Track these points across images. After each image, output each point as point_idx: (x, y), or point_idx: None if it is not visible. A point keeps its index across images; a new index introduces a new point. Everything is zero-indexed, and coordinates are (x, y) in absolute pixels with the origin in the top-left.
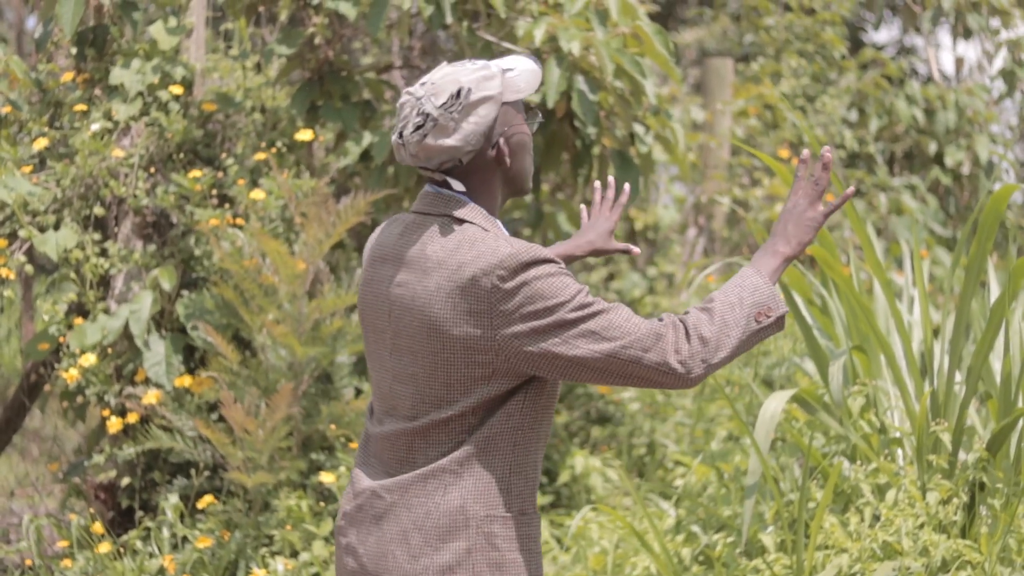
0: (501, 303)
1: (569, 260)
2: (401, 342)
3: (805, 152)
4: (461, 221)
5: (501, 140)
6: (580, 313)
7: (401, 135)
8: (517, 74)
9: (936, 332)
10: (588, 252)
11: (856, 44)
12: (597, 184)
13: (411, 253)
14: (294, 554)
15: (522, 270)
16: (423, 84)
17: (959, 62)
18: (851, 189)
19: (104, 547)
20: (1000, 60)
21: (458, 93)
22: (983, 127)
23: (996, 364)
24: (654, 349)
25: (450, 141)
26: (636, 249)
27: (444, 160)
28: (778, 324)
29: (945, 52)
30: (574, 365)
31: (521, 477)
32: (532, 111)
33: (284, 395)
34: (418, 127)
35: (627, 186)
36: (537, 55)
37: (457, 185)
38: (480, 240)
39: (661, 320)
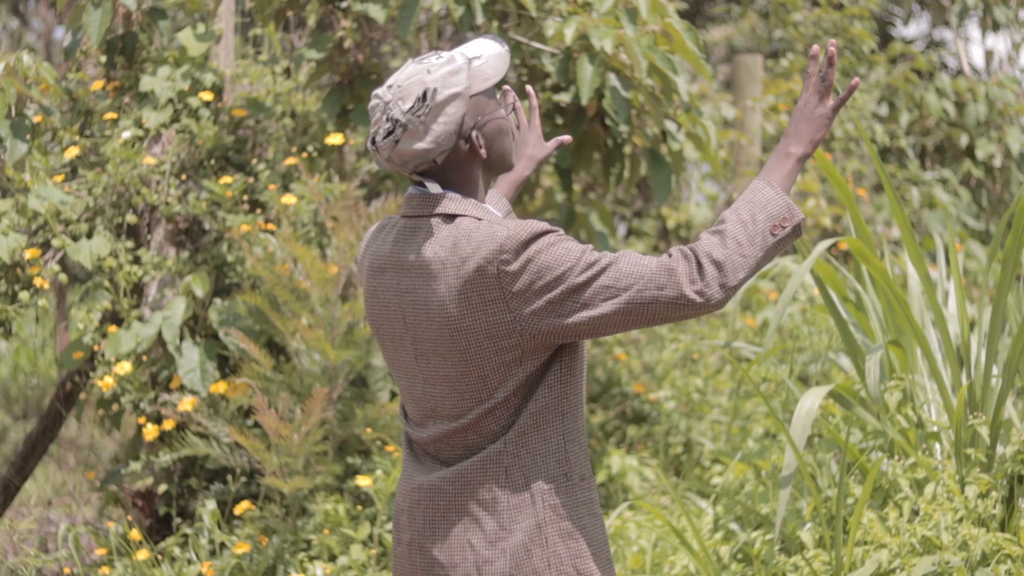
0: (512, 285)
1: (523, 183)
2: (425, 347)
3: (814, 48)
4: (452, 217)
5: (474, 133)
6: (590, 273)
7: (374, 141)
8: (483, 61)
9: (972, 325)
10: (534, 166)
11: (885, 38)
12: (509, 98)
13: (411, 259)
14: (332, 558)
15: (523, 248)
16: (389, 87)
17: (989, 55)
18: (856, 80)
19: (142, 554)
20: None
21: (424, 95)
22: (1014, 119)
23: None
24: (669, 285)
25: (421, 145)
26: (567, 138)
27: (418, 163)
28: (795, 232)
29: (974, 45)
30: (598, 322)
31: (575, 443)
32: (503, 89)
33: (318, 399)
34: (388, 133)
35: (529, 88)
36: (568, 54)
37: (433, 186)
38: (476, 230)
39: (670, 255)
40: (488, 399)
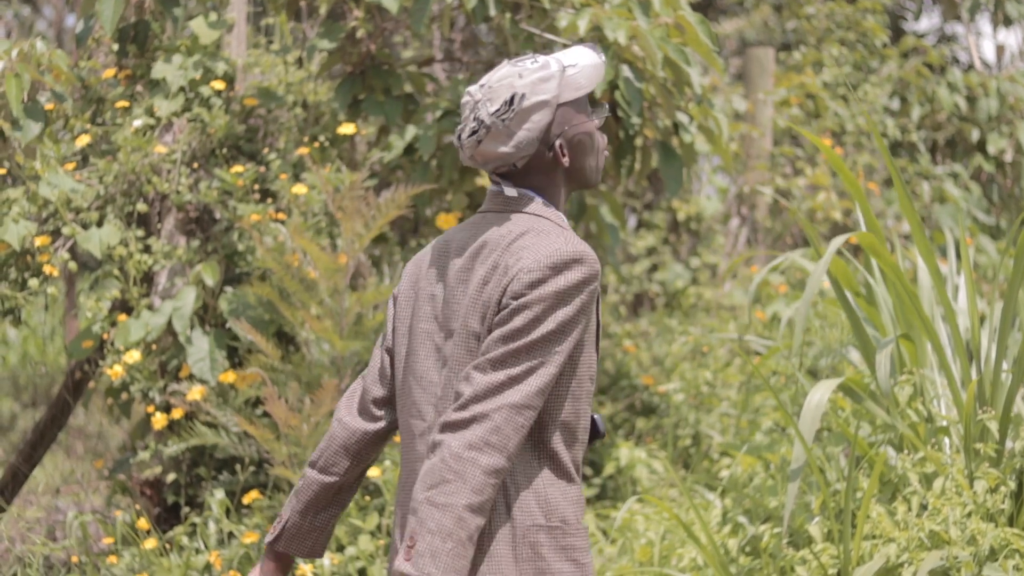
0: (511, 289)
1: None
2: (455, 325)
3: None
4: (526, 214)
5: (559, 142)
6: (533, 357)
7: (460, 137)
8: (578, 71)
9: (982, 320)
10: None
11: (897, 32)
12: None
13: (475, 242)
14: (340, 548)
15: (551, 272)
16: (482, 86)
17: (1000, 50)
18: None
19: (150, 543)
20: None
21: (511, 100)
22: None
23: None
24: (485, 447)
25: (503, 148)
26: None
27: (498, 165)
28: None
29: (986, 40)
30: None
31: (556, 488)
32: (600, 105)
33: (328, 390)
34: (473, 132)
35: None
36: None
37: (509, 189)
38: (544, 233)
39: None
40: None
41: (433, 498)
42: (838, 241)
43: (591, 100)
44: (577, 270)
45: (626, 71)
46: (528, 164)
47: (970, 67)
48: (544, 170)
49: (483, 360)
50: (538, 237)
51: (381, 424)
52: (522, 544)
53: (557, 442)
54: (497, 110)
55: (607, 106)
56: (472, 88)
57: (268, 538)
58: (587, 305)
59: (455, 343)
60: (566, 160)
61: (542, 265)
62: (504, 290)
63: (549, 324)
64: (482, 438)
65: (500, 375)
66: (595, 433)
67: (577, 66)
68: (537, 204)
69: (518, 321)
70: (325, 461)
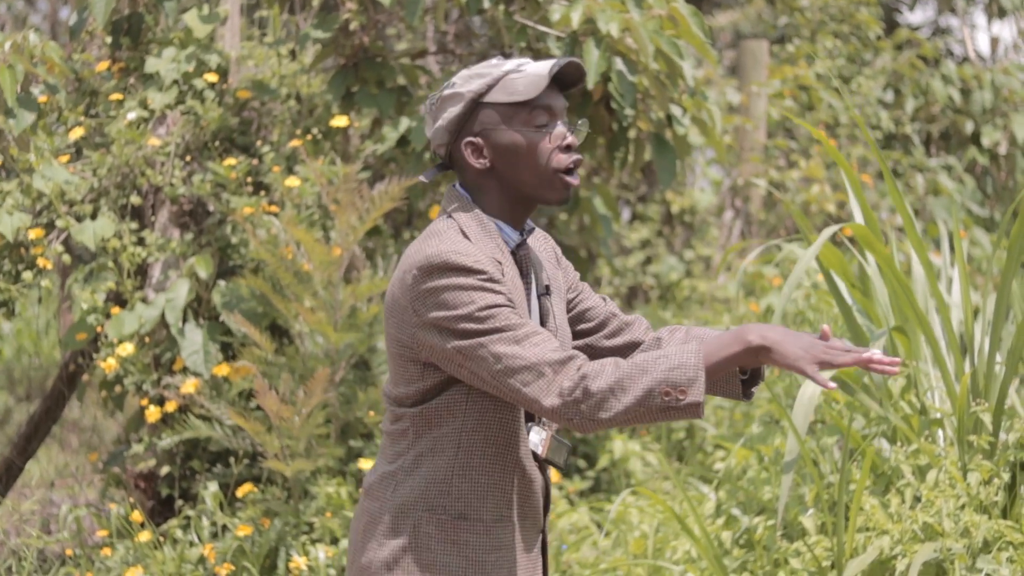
0: (416, 300)
1: None
2: (386, 337)
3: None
4: (449, 216)
5: (477, 139)
6: (477, 334)
7: None
8: (518, 76)
9: (976, 313)
10: None
11: (891, 25)
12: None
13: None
14: (334, 541)
15: (436, 273)
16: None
17: (994, 42)
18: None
19: (144, 536)
20: None
21: (444, 87)
22: (1019, 106)
23: None
24: (533, 385)
25: (430, 132)
26: None
27: (435, 148)
28: (688, 410)
29: (980, 32)
30: (469, 376)
31: (466, 480)
32: (576, 120)
33: (319, 381)
34: (425, 114)
35: None
36: (574, 38)
37: (426, 176)
38: (434, 235)
39: (566, 359)
40: (401, 404)
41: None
42: (828, 231)
43: (580, 114)
44: (444, 265)
45: (619, 64)
46: (453, 159)
47: (964, 59)
48: (468, 168)
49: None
50: (421, 245)
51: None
52: (415, 533)
53: (469, 433)
54: (433, 94)
55: (581, 123)
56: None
57: None
58: (469, 282)
59: (386, 343)
60: (481, 162)
61: (417, 274)
62: (402, 305)
63: (462, 310)
64: (564, 403)
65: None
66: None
67: (521, 72)
68: (463, 205)
69: (448, 337)
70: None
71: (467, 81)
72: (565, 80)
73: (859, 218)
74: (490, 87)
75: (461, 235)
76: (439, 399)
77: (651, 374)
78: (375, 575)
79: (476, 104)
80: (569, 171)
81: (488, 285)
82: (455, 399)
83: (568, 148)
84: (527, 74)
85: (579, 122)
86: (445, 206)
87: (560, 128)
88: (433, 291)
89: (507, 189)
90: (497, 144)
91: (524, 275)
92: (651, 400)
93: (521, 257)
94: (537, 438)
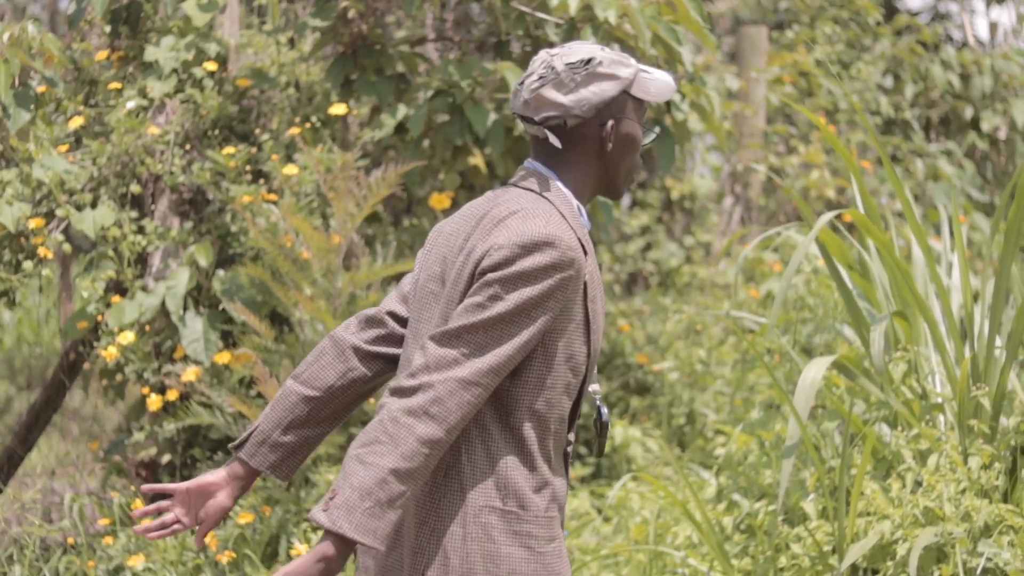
0: (504, 275)
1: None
2: (448, 302)
3: None
4: (542, 197)
5: (611, 122)
6: (509, 322)
7: (523, 83)
8: (651, 78)
9: (975, 297)
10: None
11: (890, 10)
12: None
13: (487, 212)
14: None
15: (537, 252)
16: (562, 46)
17: (993, 27)
18: None
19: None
20: None
21: (589, 60)
22: (1019, 91)
23: None
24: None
25: (563, 98)
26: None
27: (551, 115)
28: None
29: (979, 17)
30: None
31: (521, 472)
32: (653, 126)
33: None
34: (540, 76)
35: None
36: (572, 24)
37: (555, 140)
38: (537, 212)
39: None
40: None
41: (362, 456)
42: (827, 216)
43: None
44: (547, 253)
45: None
46: (575, 132)
47: (964, 45)
48: (586, 147)
49: (439, 332)
50: (524, 218)
51: (376, 348)
52: (473, 524)
53: (527, 429)
54: (572, 63)
55: (657, 131)
56: (550, 49)
57: (233, 444)
58: (556, 291)
59: (444, 309)
60: (610, 145)
61: (512, 243)
62: (476, 265)
63: (508, 304)
64: (422, 407)
65: (453, 350)
66: (601, 423)
67: (652, 75)
68: (554, 189)
69: (479, 297)
70: (309, 374)
71: (615, 65)
72: None
73: (859, 203)
74: (633, 80)
75: (560, 217)
76: (494, 394)
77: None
78: (441, 569)
79: (625, 92)
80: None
81: (559, 289)
82: (513, 394)
83: None
84: (657, 78)
85: (654, 130)
86: (529, 184)
87: (650, 135)
88: (524, 271)
89: (606, 176)
90: (622, 133)
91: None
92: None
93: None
94: (605, 408)
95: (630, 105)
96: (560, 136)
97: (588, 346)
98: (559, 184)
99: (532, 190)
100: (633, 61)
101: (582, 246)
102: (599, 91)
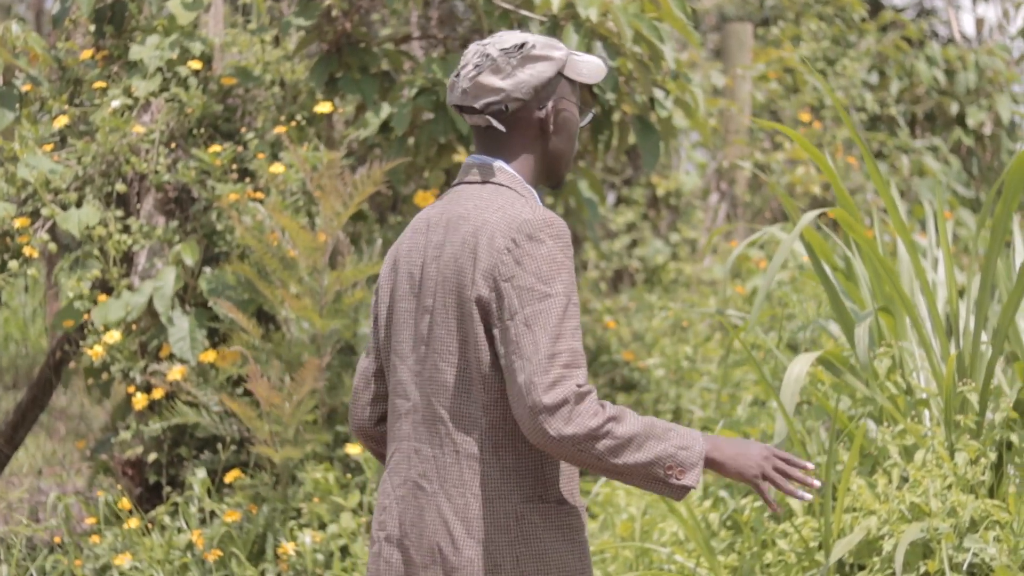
0: (504, 265)
1: None
2: (434, 304)
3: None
4: (500, 185)
5: (551, 105)
6: (550, 308)
7: (459, 74)
8: (582, 60)
9: (960, 293)
10: None
11: (875, 6)
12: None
13: (448, 215)
14: (322, 526)
15: (535, 237)
16: (492, 36)
17: (979, 23)
18: (806, 497)
19: (132, 523)
20: (1020, 20)
21: (522, 44)
22: (1004, 87)
23: (1022, 324)
24: (551, 388)
25: (501, 83)
26: None
27: (491, 101)
28: (678, 491)
29: (965, 13)
30: (497, 339)
31: (551, 465)
32: (587, 107)
33: (310, 369)
34: (476, 66)
35: None
36: (554, 22)
37: (498, 125)
38: (510, 204)
39: (587, 389)
40: (470, 388)
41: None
42: (809, 215)
43: (583, 101)
44: (549, 231)
45: (599, 48)
46: (516, 117)
47: (949, 40)
48: (529, 130)
49: (536, 369)
50: (503, 212)
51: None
52: (519, 524)
53: None
54: (507, 48)
55: (593, 113)
56: (478, 41)
57: None
58: (570, 262)
59: (432, 321)
60: (551, 127)
61: (518, 238)
62: (485, 270)
63: (554, 287)
64: (600, 436)
65: (555, 371)
66: None
67: (582, 57)
68: (506, 174)
69: (525, 308)
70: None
71: (547, 47)
72: None
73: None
74: (566, 59)
75: (530, 201)
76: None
77: (664, 443)
78: (481, 573)
79: (560, 74)
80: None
81: (569, 262)
82: None
83: None
84: (588, 60)
85: (591, 112)
86: (483, 177)
87: (587, 116)
88: (534, 256)
89: (547, 160)
90: (561, 114)
91: None
92: (654, 468)
93: None
94: None
95: (566, 87)
96: (502, 121)
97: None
98: (509, 169)
99: (489, 182)
100: (563, 45)
101: None
102: (536, 72)
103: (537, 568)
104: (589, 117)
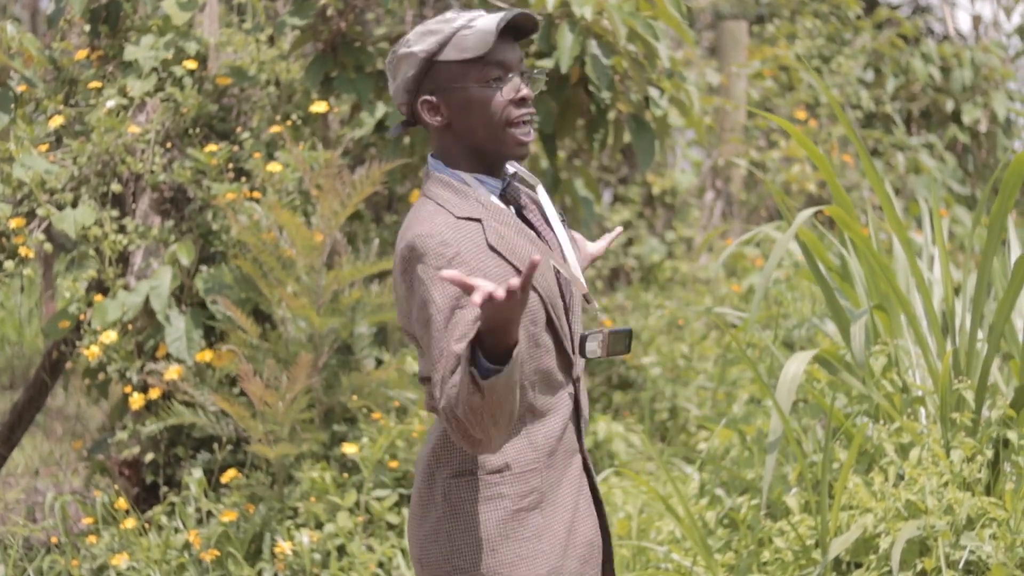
0: (410, 283)
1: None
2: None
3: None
4: (424, 196)
5: (432, 98)
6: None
7: None
8: (469, 32)
9: (956, 290)
10: (588, 262)
11: (871, 4)
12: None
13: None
14: (319, 526)
15: (415, 259)
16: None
17: (975, 20)
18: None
19: (129, 523)
20: (1016, 17)
21: (399, 46)
22: (1000, 84)
23: (1018, 322)
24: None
25: (393, 89)
26: (619, 229)
27: (400, 106)
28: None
29: (961, 10)
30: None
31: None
32: (529, 71)
33: (303, 366)
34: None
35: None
36: (550, 20)
37: (422, 123)
38: (416, 218)
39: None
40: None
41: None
42: (805, 214)
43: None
44: (422, 250)
45: (594, 46)
46: (418, 116)
47: (945, 38)
48: (432, 126)
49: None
50: (403, 235)
51: None
52: (440, 497)
53: None
54: (394, 51)
55: (537, 72)
56: None
57: None
58: (452, 265)
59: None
60: (437, 119)
61: (403, 266)
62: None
63: (430, 308)
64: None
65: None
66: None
67: (472, 28)
68: (433, 178)
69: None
70: None
71: (420, 39)
72: (518, 31)
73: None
74: (442, 45)
75: (439, 210)
76: None
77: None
78: (422, 546)
79: (430, 63)
80: (522, 123)
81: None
82: None
83: (522, 101)
84: (477, 30)
85: (535, 71)
86: (424, 180)
87: (514, 81)
88: (416, 278)
89: (466, 145)
90: (451, 101)
91: (523, 209)
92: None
93: (512, 195)
94: (594, 344)
95: (448, 72)
96: (418, 122)
97: (538, 291)
98: (438, 170)
99: (422, 193)
100: (456, 20)
101: (470, 215)
102: (403, 74)
103: (463, 540)
104: (537, 78)
